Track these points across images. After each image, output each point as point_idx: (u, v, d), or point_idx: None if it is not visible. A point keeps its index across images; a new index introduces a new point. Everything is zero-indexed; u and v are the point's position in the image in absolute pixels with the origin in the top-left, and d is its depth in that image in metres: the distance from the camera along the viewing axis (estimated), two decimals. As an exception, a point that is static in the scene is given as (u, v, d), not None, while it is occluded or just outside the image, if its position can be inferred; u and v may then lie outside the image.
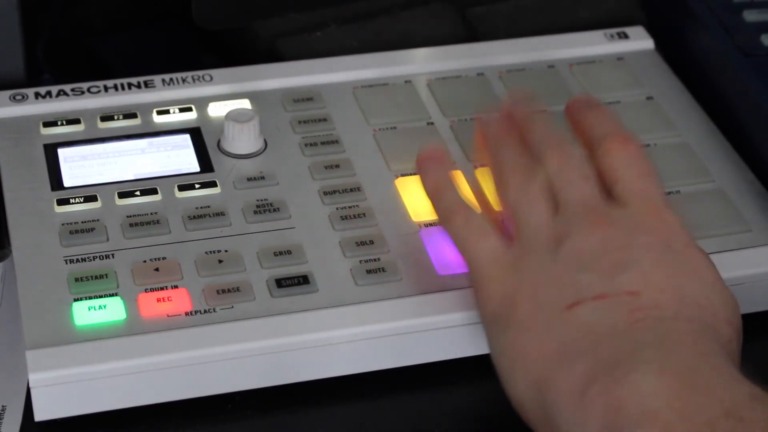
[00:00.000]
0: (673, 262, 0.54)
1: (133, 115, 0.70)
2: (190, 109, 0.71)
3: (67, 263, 0.61)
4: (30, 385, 0.56)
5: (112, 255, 0.62)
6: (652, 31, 0.80)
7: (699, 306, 0.53)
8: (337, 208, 0.65)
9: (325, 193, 0.66)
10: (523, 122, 0.61)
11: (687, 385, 0.48)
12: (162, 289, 0.60)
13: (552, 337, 0.52)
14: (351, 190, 0.66)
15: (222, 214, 0.64)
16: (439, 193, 0.60)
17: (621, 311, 0.52)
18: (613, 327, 0.51)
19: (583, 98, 0.64)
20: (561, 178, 0.58)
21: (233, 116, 0.68)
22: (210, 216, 0.64)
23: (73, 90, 0.72)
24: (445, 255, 0.63)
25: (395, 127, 0.71)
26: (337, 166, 0.68)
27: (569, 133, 0.61)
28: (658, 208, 0.57)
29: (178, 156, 0.68)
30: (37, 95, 0.71)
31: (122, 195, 0.65)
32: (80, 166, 0.67)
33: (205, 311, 0.59)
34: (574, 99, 0.64)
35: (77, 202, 0.64)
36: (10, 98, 0.71)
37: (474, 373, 0.60)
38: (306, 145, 0.69)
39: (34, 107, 0.70)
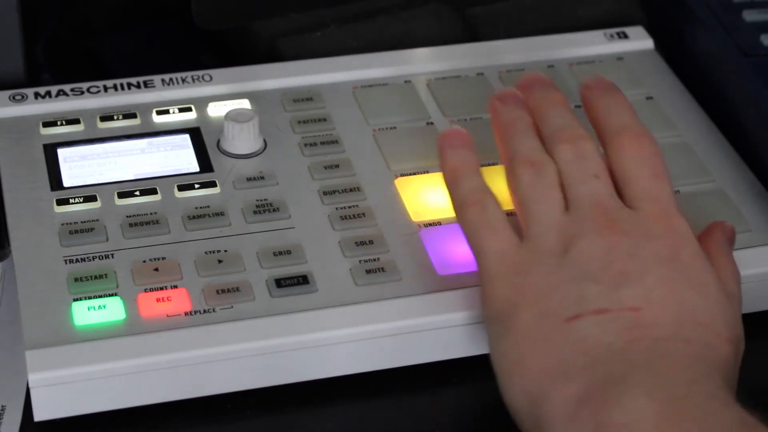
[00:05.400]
0: (678, 277, 0.54)
1: (133, 115, 0.70)
2: (189, 109, 0.71)
3: (66, 263, 0.61)
4: (29, 385, 0.56)
5: (112, 255, 0.62)
6: (652, 31, 0.79)
7: (700, 324, 0.52)
8: (336, 208, 0.65)
9: (325, 193, 0.66)
10: (536, 110, 0.61)
11: (676, 412, 0.48)
12: (161, 289, 0.60)
13: (550, 351, 0.52)
14: (351, 190, 0.66)
15: (221, 214, 0.64)
16: (456, 179, 0.58)
17: (619, 328, 0.52)
18: (609, 345, 0.51)
19: (599, 80, 0.63)
20: (572, 174, 0.57)
21: (233, 116, 0.68)
22: (209, 216, 0.64)
23: (72, 90, 0.71)
24: (445, 255, 0.63)
25: (395, 127, 0.71)
26: (337, 166, 0.68)
27: (582, 124, 0.60)
28: (668, 214, 0.56)
29: (177, 156, 0.68)
30: (36, 95, 0.71)
31: (122, 195, 0.65)
32: (80, 166, 0.67)
33: (204, 311, 0.59)
34: (591, 80, 0.63)
35: (77, 202, 0.64)
36: (9, 98, 0.71)
37: (474, 373, 0.60)
38: (306, 145, 0.69)
39: (33, 107, 0.70)
